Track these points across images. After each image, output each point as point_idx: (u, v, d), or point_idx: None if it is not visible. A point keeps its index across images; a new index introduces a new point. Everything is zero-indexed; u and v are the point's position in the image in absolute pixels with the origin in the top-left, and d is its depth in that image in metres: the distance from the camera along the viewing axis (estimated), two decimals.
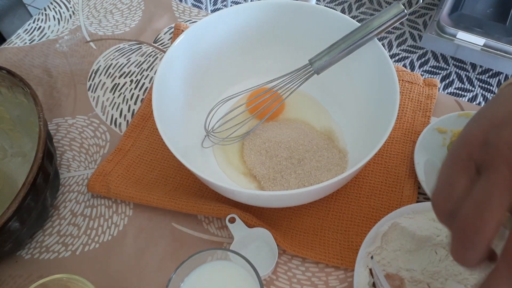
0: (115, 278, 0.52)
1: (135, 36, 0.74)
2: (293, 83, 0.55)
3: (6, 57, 0.72)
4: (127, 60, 0.71)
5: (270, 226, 0.52)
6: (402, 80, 0.64)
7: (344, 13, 1.37)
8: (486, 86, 1.63)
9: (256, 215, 0.54)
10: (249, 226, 0.51)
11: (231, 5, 1.43)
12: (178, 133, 0.53)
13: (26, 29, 0.76)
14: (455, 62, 1.69)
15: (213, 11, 1.86)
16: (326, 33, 0.56)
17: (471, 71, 1.67)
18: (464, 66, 1.68)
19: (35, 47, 0.74)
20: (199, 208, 0.53)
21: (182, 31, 0.71)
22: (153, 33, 0.74)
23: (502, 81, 1.63)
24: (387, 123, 0.47)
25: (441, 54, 1.71)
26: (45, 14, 0.78)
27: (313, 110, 0.62)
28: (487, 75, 1.66)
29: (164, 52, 0.70)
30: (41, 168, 0.48)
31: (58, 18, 0.77)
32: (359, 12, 1.87)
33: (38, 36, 0.75)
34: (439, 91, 0.64)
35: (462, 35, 1.47)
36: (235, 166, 0.58)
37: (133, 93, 0.67)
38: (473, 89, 1.62)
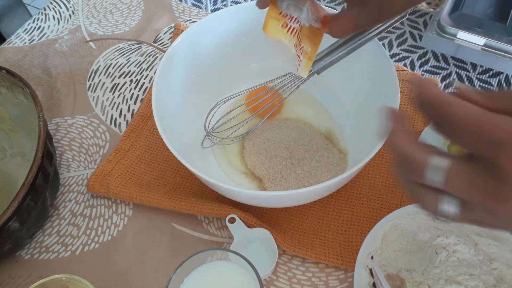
0: (115, 278, 0.51)
1: (135, 36, 0.74)
2: (294, 83, 0.55)
3: (6, 57, 0.72)
4: (127, 60, 0.71)
5: (270, 226, 0.52)
6: (403, 80, 0.63)
7: None
8: (486, 86, 1.62)
9: (256, 215, 0.54)
10: (249, 226, 0.51)
11: (231, 5, 1.43)
12: (178, 133, 0.53)
13: (26, 29, 0.76)
14: (455, 62, 1.69)
15: (213, 11, 1.86)
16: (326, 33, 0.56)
17: (471, 71, 1.67)
18: (465, 66, 1.68)
19: (35, 47, 0.73)
20: (199, 208, 0.53)
21: (182, 31, 0.71)
22: (153, 33, 0.74)
23: (502, 81, 1.63)
24: None
25: (441, 54, 1.71)
26: (45, 14, 0.78)
27: (313, 110, 0.62)
28: (487, 75, 1.65)
29: (164, 52, 0.70)
30: (40, 168, 0.48)
31: (58, 18, 0.77)
32: None
33: (37, 36, 0.75)
34: None
35: (462, 35, 1.47)
36: (235, 166, 0.58)
37: (133, 93, 0.67)
38: None
